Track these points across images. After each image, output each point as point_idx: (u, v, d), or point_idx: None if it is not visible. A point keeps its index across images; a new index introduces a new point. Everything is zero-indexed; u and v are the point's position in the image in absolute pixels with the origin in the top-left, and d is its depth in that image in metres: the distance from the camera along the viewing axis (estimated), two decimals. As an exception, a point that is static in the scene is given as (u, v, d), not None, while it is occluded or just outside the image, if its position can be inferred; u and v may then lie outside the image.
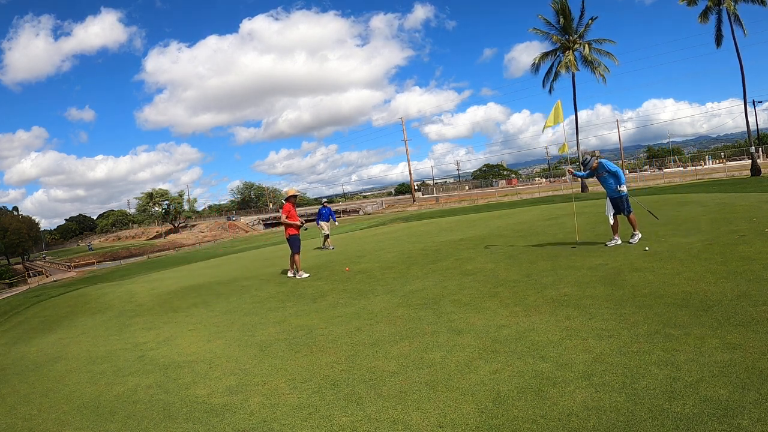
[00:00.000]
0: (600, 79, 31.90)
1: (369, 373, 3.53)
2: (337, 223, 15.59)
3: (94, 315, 8.05)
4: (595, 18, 31.85)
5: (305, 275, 8.29)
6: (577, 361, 3.18)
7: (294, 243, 8.31)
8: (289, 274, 8.62)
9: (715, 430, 2.23)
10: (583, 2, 31.54)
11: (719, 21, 27.02)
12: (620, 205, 7.03)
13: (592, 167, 7.18)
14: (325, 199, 14.91)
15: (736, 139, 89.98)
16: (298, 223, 8.34)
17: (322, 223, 13.88)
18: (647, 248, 6.02)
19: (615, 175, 7.01)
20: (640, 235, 7.04)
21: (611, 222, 7.11)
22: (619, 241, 7.04)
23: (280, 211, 8.48)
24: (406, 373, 3.43)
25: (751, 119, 37.52)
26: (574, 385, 2.85)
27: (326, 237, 13.76)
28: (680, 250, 6.02)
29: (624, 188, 6.95)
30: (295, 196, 8.55)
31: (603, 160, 7.15)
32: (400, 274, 7.38)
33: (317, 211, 14.45)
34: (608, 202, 7.20)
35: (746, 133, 29.29)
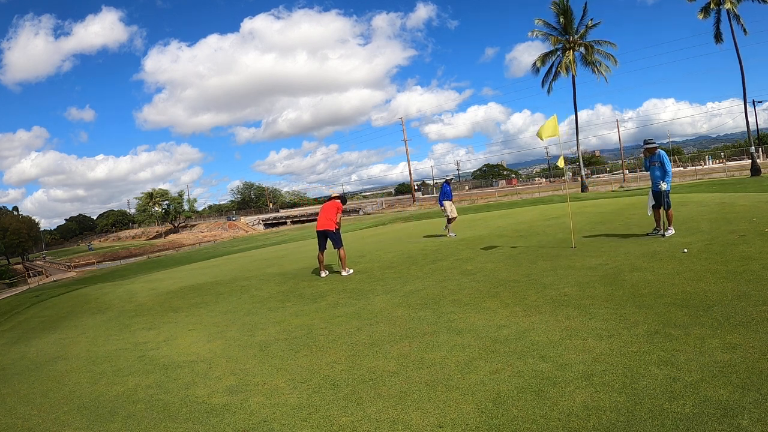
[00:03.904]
0: (601, 79, 32.01)
1: (369, 373, 3.53)
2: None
3: (94, 315, 8.04)
4: (598, 23, 31.91)
5: (351, 271, 8.02)
6: (577, 361, 3.18)
7: (339, 237, 8.06)
8: (322, 274, 8.13)
9: (715, 430, 2.22)
10: (585, 4, 31.60)
11: (718, 20, 27.07)
12: (660, 199, 7.27)
13: (651, 150, 7.41)
14: (451, 175, 12.73)
15: (736, 139, 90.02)
16: (337, 227, 8.12)
17: (446, 204, 11.53)
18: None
19: (663, 170, 7.23)
20: (673, 231, 7.25)
21: (649, 213, 7.51)
22: (661, 231, 7.33)
23: (331, 202, 8.22)
24: (406, 373, 3.43)
25: (751, 119, 37.56)
26: (574, 385, 2.85)
27: (450, 220, 11.61)
28: (680, 250, 6.02)
29: (664, 185, 7.17)
30: (339, 197, 8.44)
31: (663, 152, 7.37)
32: (400, 274, 7.38)
33: (440, 189, 12.09)
34: (650, 195, 7.47)
35: (746, 133, 29.30)
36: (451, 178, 12.43)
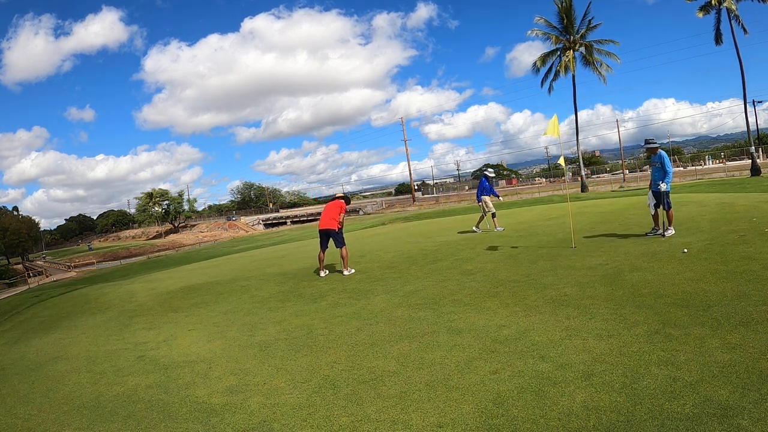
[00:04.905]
0: (601, 79, 31.99)
1: (369, 373, 3.53)
2: (500, 199, 12.05)
3: (94, 315, 8.04)
4: (599, 24, 31.89)
5: (352, 271, 8.05)
6: (577, 361, 3.18)
7: (342, 236, 8.08)
8: (321, 273, 8.19)
9: (715, 430, 2.23)
10: (589, 4, 31.59)
11: (718, 20, 27.07)
12: (660, 199, 7.30)
13: (653, 150, 7.45)
14: (491, 170, 11.87)
15: (736, 139, 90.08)
16: (340, 226, 8.15)
17: (486, 198, 11.18)
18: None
19: (663, 170, 7.25)
20: (673, 231, 7.27)
21: (652, 213, 7.52)
22: (660, 231, 7.35)
23: (334, 201, 8.30)
24: (406, 373, 3.43)
25: (751, 119, 37.56)
26: (574, 385, 2.85)
27: (492, 215, 11.24)
28: (680, 250, 6.02)
29: (663, 186, 7.18)
30: (343, 197, 8.51)
31: (664, 153, 7.41)
32: (400, 274, 7.38)
33: (478, 183, 11.54)
34: (650, 194, 7.51)
35: (746, 133, 29.30)
36: (493, 175, 11.72)
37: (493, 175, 11.88)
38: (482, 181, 11.41)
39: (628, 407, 2.53)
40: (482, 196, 11.26)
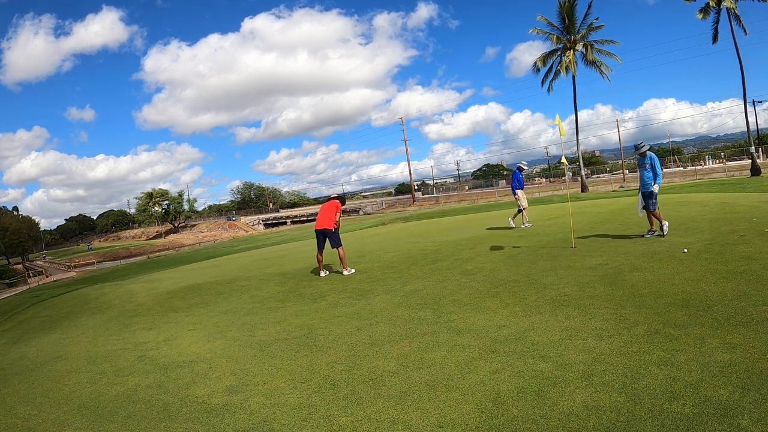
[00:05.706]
0: (603, 79, 31.99)
1: (369, 373, 3.53)
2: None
3: (94, 315, 8.04)
4: (601, 26, 31.84)
5: (352, 270, 8.05)
6: (577, 361, 3.18)
7: (338, 236, 8.08)
8: (321, 273, 8.21)
9: (715, 430, 2.23)
10: (590, 4, 31.51)
11: (717, 20, 27.07)
12: (647, 200, 7.36)
13: (642, 153, 7.52)
14: (525, 163, 11.57)
15: (736, 139, 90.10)
16: (336, 226, 8.14)
17: (520, 193, 10.92)
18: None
19: (654, 171, 7.32)
20: (667, 223, 7.36)
21: (641, 215, 7.66)
22: (656, 233, 7.40)
23: (330, 202, 8.33)
24: (406, 373, 3.43)
25: (751, 119, 37.58)
26: (574, 385, 2.85)
27: (520, 210, 11.01)
28: (680, 250, 6.03)
29: (656, 187, 7.25)
30: (338, 197, 8.53)
31: (654, 155, 7.47)
32: (400, 274, 7.38)
33: (512, 176, 11.29)
34: (640, 197, 7.56)
35: (746, 133, 29.31)
36: (525, 168, 11.48)
37: (527, 168, 11.70)
38: (516, 174, 11.23)
39: (628, 407, 2.53)
40: (517, 190, 11.03)
